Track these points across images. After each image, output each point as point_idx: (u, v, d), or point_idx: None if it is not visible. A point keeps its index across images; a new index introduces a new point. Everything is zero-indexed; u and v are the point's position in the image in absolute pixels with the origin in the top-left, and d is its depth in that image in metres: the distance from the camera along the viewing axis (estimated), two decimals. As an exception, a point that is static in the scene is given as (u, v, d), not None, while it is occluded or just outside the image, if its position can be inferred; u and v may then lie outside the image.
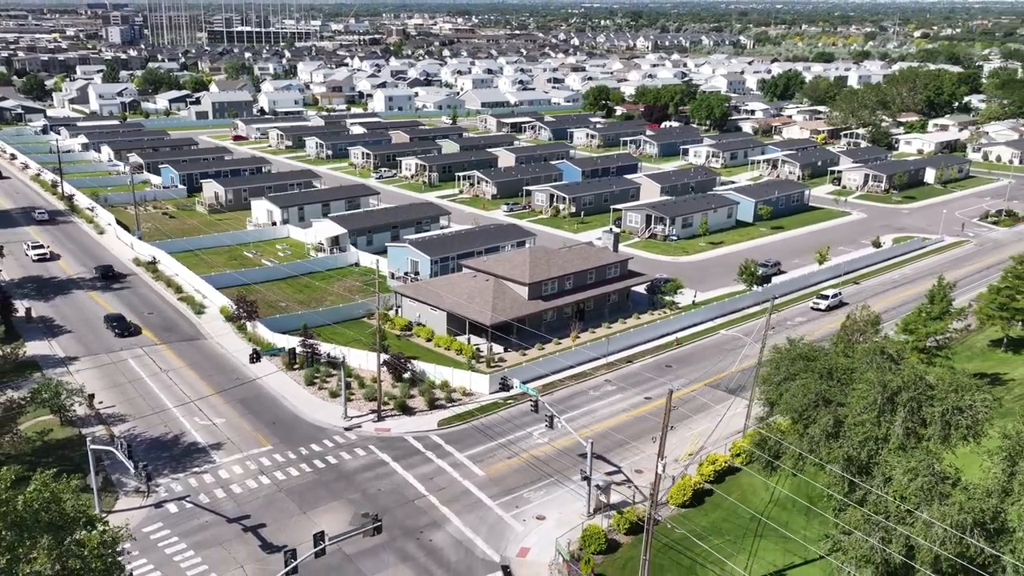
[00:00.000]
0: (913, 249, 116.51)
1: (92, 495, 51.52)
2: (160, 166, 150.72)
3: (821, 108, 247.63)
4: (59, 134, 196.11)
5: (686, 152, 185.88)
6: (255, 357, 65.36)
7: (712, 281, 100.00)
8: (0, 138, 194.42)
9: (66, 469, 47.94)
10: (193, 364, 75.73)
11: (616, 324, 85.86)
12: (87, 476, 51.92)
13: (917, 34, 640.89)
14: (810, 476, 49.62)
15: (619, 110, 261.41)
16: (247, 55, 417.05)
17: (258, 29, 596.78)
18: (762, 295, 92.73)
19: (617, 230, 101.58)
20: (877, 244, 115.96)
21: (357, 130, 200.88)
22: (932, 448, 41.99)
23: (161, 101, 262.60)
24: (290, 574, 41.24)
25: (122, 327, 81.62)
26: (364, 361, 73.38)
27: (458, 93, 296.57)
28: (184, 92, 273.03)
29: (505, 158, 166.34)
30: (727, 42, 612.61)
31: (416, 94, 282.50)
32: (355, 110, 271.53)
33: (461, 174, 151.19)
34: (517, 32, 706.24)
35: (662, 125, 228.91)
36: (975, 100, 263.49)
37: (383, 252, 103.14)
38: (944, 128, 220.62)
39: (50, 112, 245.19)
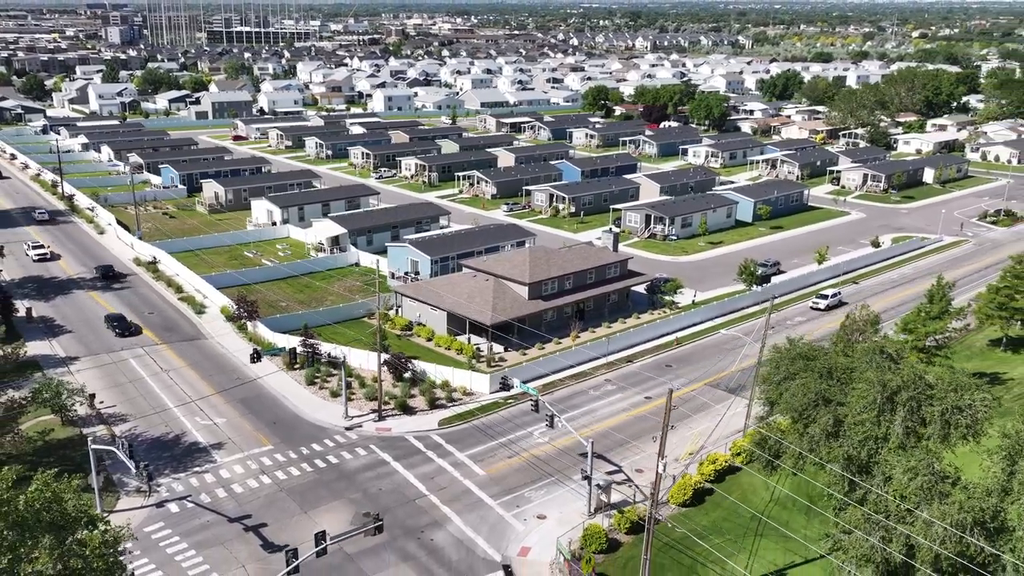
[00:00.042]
0: (912, 249, 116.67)
1: (93, 495, 51.58)
2: (160, 166, 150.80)
3: (820, 108, 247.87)
4: (59, 134, 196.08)
5: (685, 152, 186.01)
6: (256, 357, 65.46)
7: (712, 281, 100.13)
8: (0, 138, 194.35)
9: (67, 469, 47.83)
10: (194, 364, 75.81)
11: (616, 324, 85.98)
12: (88, 476, 52.01)
13: (915, 34, 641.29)
14: (810, 475, 49.75)
15: (618, 110, 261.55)
16: (246, 55, 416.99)
17: (257, 29, 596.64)
18: (761, 295, 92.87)
19: (617, 230, 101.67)
20: (876, 244, 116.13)
21: (357, 130, 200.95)
22: (932, 447, 42.11)
23: (161, 101, 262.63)
24: (291, 573, 41.35)
25: (123, 327, 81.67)
26: (365, 361, 73.47)
27: (457, 93, 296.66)
28: (184, 92, 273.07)
29: (505, 158, 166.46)
30: (725, 42, 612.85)
31: (415, 94, 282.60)
32: (354, 110, 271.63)
33: (461, 174, 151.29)
34: (516, 32, 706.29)
35: (661, 125, 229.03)
36: (973, 100, 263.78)
37: (383, 252, 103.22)
38: (942, 128, 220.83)
39: (50, 112, 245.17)
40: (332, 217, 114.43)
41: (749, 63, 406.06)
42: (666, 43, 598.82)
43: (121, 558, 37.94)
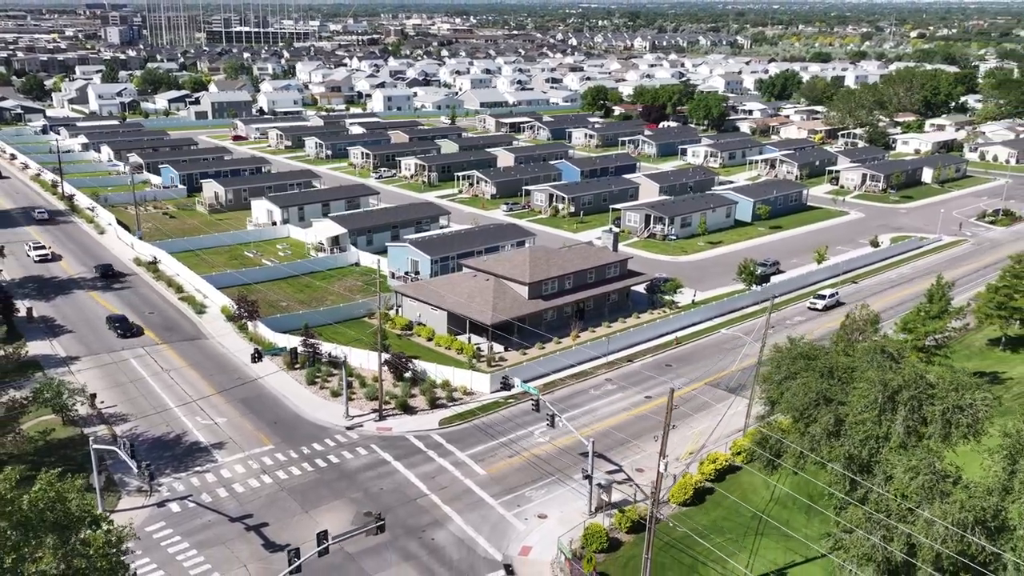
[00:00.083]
0: (911, 248, 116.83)
1: (95, 494, 51.61)
2: (160, 166, 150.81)
3: (818, 108, 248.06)
4: (59, 134, 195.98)
5: (684, 152, 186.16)
6: (257, 357, 65.58)
7: (711, 280, 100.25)
8: (0, 138, 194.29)
9: (68, 469, 47.97)
10: (194, 364, 75.87)
11: (616, 323, 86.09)
12: (89, 475, 52.07)
13: (913, 34, 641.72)
14: (811, 474, 49.87)
15: (617, 110, 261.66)
16: (246, 55, 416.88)
17: (256, 29, 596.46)
18: (761, 294, 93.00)
19: (616, 230, 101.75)
20: (875, 243, 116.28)
21: (356, 130, 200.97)
22: (933, 446, 42.20)
23: (160, 101, 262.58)
24: (294, 573, 41.43)
25: (125, 328, 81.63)
26: (365, 360, 73.55)
27: (457, 93, 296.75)
28: (183, 92, 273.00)
29: (504, 158, 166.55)
30: (724, 42, 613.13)
31: (415, 94, 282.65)
32: (354, 110, 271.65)
33: (460, 174, 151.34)
34: (515, 32, 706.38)
35: (660, 125, 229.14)
36: (971, 100, 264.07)
37: (383, 252, 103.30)
38: (941, 128, 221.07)
39: (49, 112, 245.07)
40: (332, 217, 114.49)
41: (748, 63, 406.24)
42: (664, 43, 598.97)
43: (123, 558, 37.99)
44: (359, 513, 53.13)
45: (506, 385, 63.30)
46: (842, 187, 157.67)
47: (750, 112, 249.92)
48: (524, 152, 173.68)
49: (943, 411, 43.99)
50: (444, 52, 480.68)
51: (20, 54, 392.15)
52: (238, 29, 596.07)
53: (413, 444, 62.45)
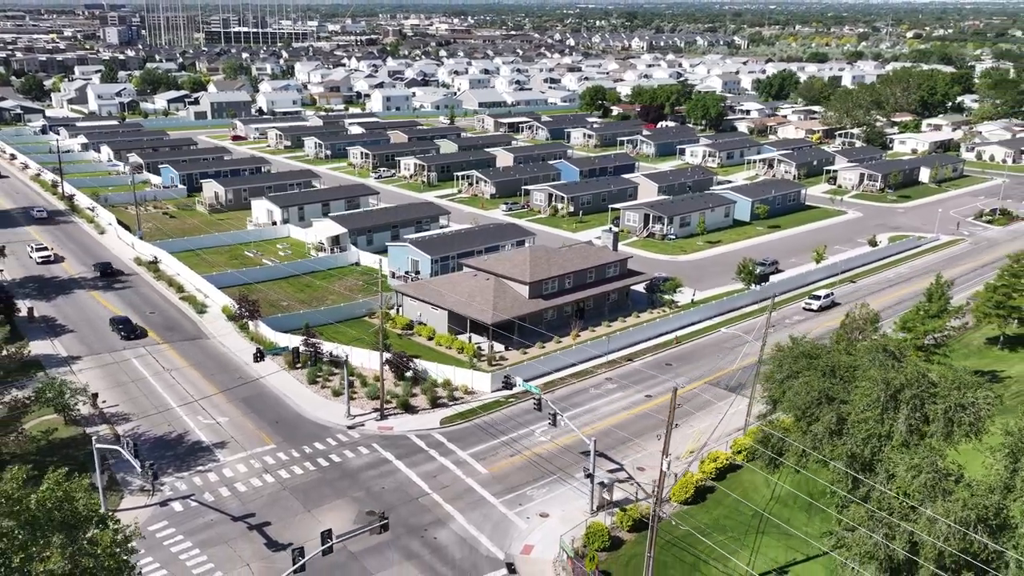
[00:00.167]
0: (909, 248, 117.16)
1: (98, 494, 51.68)
2: (160, 166, 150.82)
3: (816, 108, 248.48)
4: (58, 134, 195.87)
5: (683, 152, 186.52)
6: (259, 356, 65.71)
7: (710, 280, 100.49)
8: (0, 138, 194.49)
9: (71, 468, 48.00)
10: (196, 363, 75.96)
11: (616, 322, 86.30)
12: (92, 475, 52.14)
13: (909, 35, 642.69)
14: (812, 473, 50.06)
15: (615, 110, 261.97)
16: (244, 55, 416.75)
17: (255, 30, 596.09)
18: (760, 294, 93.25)
19: (616, 229, 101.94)
20: (873, 243, 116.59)
21: (355, 130, 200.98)
22: (935, 445, 42.39)
23: (160, 101, 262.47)
24: (297, 572, 41.58)
25: (128, 330, 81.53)
26: (366, 360, 73.68)
27: (455, 93, 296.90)
28: (182, 92, 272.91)
29: (503, 158, 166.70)
30: (721, 42, 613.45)
31: (413, 94, 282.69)
32: (353, 110, 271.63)
33: (460, 174, 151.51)
34: (513, 32, 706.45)
35: (658, 125, 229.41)
36: (968, 100, 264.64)
37: (383, 251, 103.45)
38: (938, 128, 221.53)
39: (49, 112, 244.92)
40: (332, 217, 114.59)
41: (745, 63, 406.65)
42: (662, 43, 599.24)
43: (128, 557, 38.10)
44: (361, 512, 53.28)
45: (507, 384, 63.49)
46: (840, 187, 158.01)
47: (748, 112, 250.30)
48: (523, 152, 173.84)
49: (945, 410, 44.18)
50: (442, 52, 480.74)
51: (19, 54, 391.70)
52: (236, 29, 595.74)
53: (414, 443, 62.60)
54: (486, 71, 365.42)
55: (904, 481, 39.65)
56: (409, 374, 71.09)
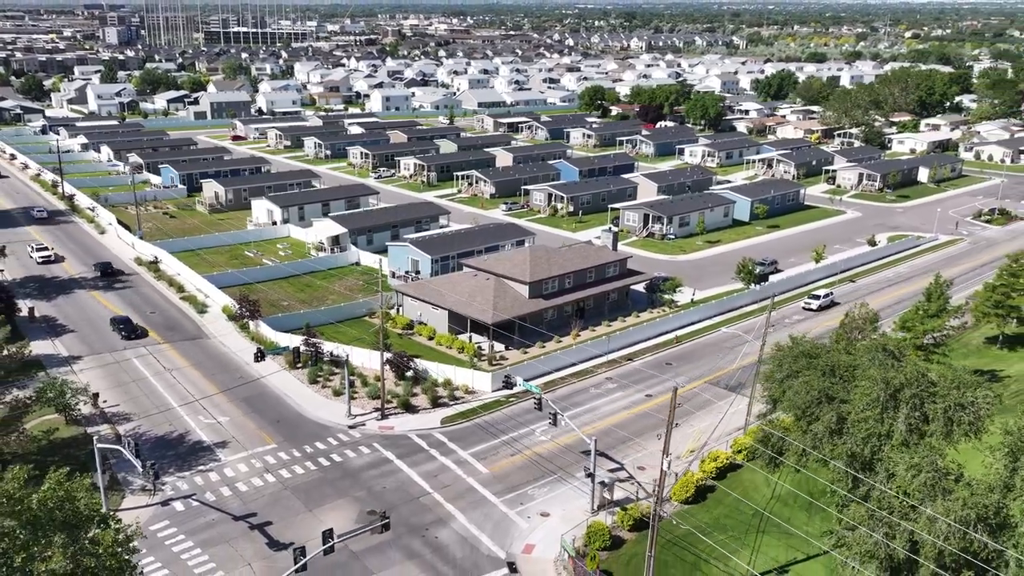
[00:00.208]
0: (908, 247, 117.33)
1: (99, 494, 51.76)
2: (160, 166, 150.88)
3: (814, 108, 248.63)
4: (58, 134, 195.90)
5: (682, 152, 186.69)
6: (260, 356, 65.80)
7: (710, 279, 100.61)
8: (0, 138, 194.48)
9: (72, 468, 48.07)
10: (196, 363, 76.03)
11: (616, 322, 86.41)
12: (93, 474, 52.17)
13: (908, 35, 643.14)
14: (813, 472, 50.17)
15: (614, 110, 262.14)
16: (244, 55, 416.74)
17: (254, 30, 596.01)
18: (760, 293, 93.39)
19: (615, 229, 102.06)
20: (872, 242, 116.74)
21: (355, 130, 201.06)
22: (935, 444, 42.50)
23: (159, 101, 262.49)
24: (299, 571, 41.66)
25: (129, 330, 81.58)
26: (367, 360, 73.78)
27: (455, 93, 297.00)
28: (182, 92, 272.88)
29: (503, 158, 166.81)
30: (720, 42, 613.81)
31: (413, 94, 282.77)
32: (352, 110, 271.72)
33: (459, 174, 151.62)
34: (512, 33, 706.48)
35: (657, 125, 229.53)
36: (966, 100, 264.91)
37: (383, 251, 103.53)
38: (936, 128, 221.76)
39: (49, 112, 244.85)
40: (332, 217, 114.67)
41: (744, 63, 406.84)
42: (661, 43, 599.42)
43: (130, 557, 38.18)
44: (362, 511, 53.36)
45: (508, 384, 63.59)
46: (839, 186, 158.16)
47: (747, 112, 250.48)
48: (522, 152, 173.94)
49: (945, 409, 44.30)
50: (441, 52, 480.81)
51: (19, 54, 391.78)
52: (236, 29, 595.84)
53: (415, 443, 62.69)
54: (485, 71, 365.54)
55: (904, 480, 39.76)
56: (410, 374, 71.20)
